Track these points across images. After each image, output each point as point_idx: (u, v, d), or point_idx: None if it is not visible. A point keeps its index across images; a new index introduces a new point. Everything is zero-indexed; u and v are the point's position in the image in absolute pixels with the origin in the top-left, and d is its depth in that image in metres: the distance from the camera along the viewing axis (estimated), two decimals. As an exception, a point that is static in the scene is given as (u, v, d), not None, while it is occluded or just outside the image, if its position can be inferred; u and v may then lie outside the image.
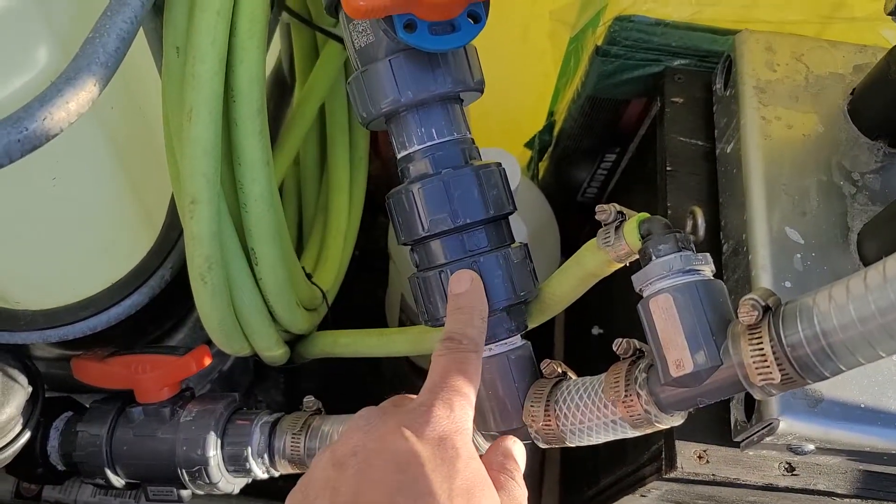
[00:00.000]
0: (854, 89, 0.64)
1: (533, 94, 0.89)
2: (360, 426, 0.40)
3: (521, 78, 0.88)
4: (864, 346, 0.37)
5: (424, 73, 0.50)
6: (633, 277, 0.47)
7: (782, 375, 0.39)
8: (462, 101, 0.54)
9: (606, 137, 0.86)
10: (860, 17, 0.68)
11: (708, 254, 0.46)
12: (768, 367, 0.40)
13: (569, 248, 1.04)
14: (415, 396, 0.43)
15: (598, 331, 0.86)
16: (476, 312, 0.48)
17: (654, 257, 0.46)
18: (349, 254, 0.86)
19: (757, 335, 0.40)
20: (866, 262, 0.57)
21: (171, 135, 0.53)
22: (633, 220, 0.49)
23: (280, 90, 1.02)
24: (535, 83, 0.88)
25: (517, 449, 0.47)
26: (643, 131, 0.81)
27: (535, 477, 0.99)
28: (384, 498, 0.35)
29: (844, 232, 0.58)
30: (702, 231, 0.64)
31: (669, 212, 0.67)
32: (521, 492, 0.43)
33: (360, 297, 1.03)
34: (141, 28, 0.55)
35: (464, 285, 0.49)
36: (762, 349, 0.40)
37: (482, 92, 0.54)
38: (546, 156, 0.95)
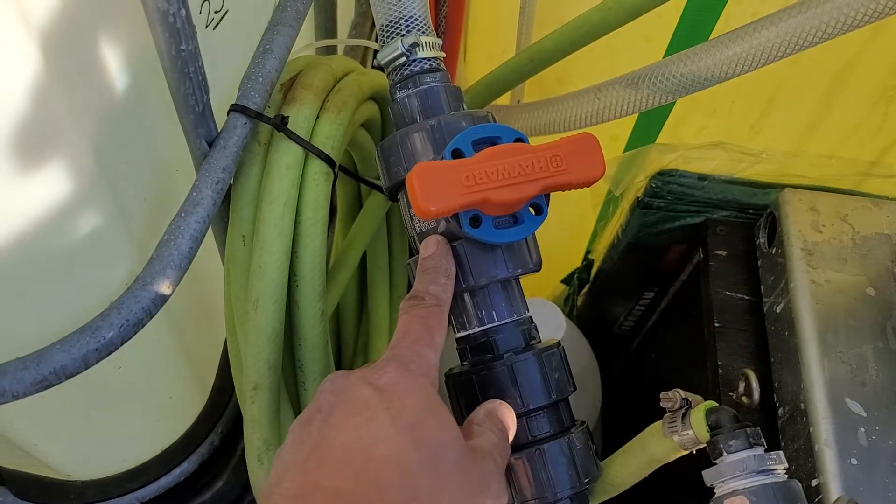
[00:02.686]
0: (902, 251, 0.64)
1: (570, 233, 0.91)
2: (325, 388, 0.42)
3: (559, 218, 0.89)
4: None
5: (485, 260, 0.50)
6: (705, 473, 0.46)
7: None
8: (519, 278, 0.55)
9: (645, 278, 0.87)
10: (900, 174, 0.69)
11: (781, 452, 0.46)
12: (859, 588, 0.39)
13: (603, 378, 1.04)
14: None
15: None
16: (441, 272, 0.48)
17: (725, 453, 0.46)
18: (389, 396, 0.86)
19: (845, 553, 0.39)
20: (931, 435, 0.56)
21: (235, 319, 0.53)
22: (700, 409, 0.48)
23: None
24: (572, 224, 0.89)
25: (502, 409, 0.47)
26: (685, 276, 0.81)
27: None
28: (341, 439, 0.38)
29: (906, 403, 0.58)
30: (756, 395, 0.64)
31: (720, 370, 0.67)
32: (495, 442, 0.44)
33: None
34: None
35: (430, 249, 0.49)
36: (852, 569, 0.39)
37: (540, 270, 0.55)
38: (583, 291, 0.95)
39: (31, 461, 0.58)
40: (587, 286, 0.93)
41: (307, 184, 0.52)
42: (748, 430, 0.46)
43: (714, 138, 0.69)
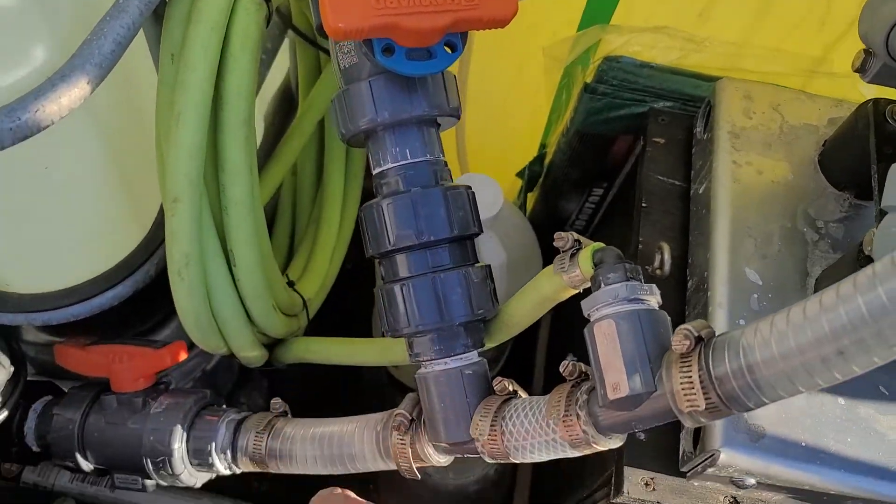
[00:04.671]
0: (826, 141, 0.66)
1: (526, 126, 0.92)
2: None
3: (515, 110, 0.91)
4: (785, 380, 0.39)
5: (402, 96, 0.53)
6: (582, 303, 0.49)
7: (707, 403, 0.41)
8: (439, 125, 0.56)
9: (594, 171, 0.89)
10: (840, 73, 0.70)
11: (654, 285, 0.48)
12: (695, 394, 0.41)
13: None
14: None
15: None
16: None
17: (602, 285, 0.48)
18: (337, 266, 0.89)
19: (687, 364, 0.42)
20: (822, 307, 0.58)
21: (160, 136, 0.56)
22: (588, 248, 0.51)
23: (287, 105, 1.05)
24: (528, 116, 0.90)
25: None
26: (628, 168, 0.83)
27: (505, 494, 1.00)
28: None
29: (803, 277, 0.60)
30: (668, 267, 0.67)
31: (641, 247, 0.69)
32: None
33: (349, 310, 1.05)
34: (144, 34, 0.59)
35: None
36: (690, 377, 0.42)
37: (458, 118, 0.56)
38: (536, 187, 0.97)
39: (-27, 270, 0.62)
40: (540, 181, 0.95)
41: (237, 12, 0.54)
42: (627, 265, 0.49)
43: (662, 24, 0.70)
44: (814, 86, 0.73)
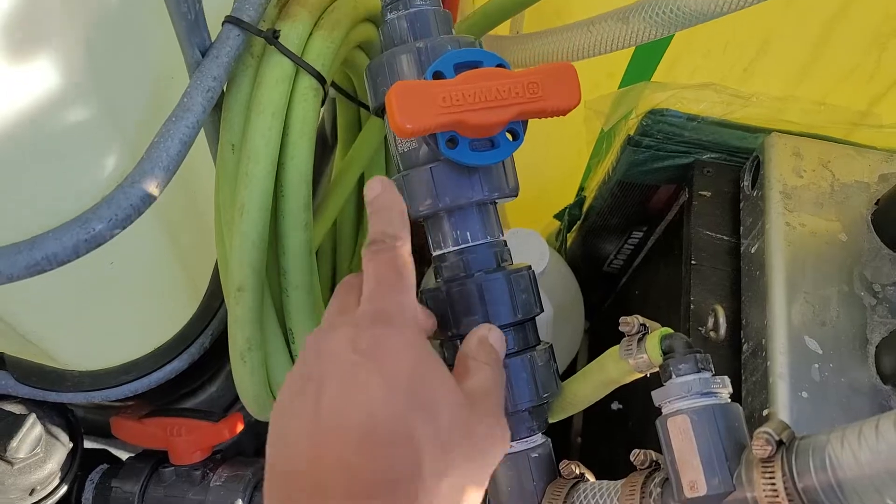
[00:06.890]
0: (878, 200, 0.65)
1: (565, 169, 0.92)
2: (309, 353, 0.42)
3: (555, 154, 0.91)
4: (872, 491, 0.39)
5: (462, 182, 0.53)
6: (653, 394, 0.49)
7: (792, 510, 0.41)
8: (496, 202, 0.57)
9: (634, 217, 0.88)
10: (888, 125, 0.70)
11: (726, 377, 0.48)
12: (779, 501, 0.41)
13: (591, 315, 1.06)
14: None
15: (618, 406, 0.88)
16: (393, 209, 0.47)
17: (673, 376, 0.48)
18: (378, 316, 0.89)
19: (770, 469, 0.42)
20: (883, 376, 0.58)
21: (222, 224, 0.56)
22: (656, 334, 0.51)
23: (321, 147, 1.05)
24: (567, 160, 0.90)
25: (493, 335, 0.49)
26: (671, 216, 0.83)
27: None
28: (338, 414, 0.38)
29: (863, 344, 0.60)
30: (723, 331, 0.67)
31: (692, 306, 0.69)
32: (492, 376, 0.45)
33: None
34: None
35: (376, 189, 0.48)
36: (774, 484, 0.42)
37: (516, 196, 0.56)
38: (575, 228, 0.97)
39: (32, 350, 0.62)
40: (578, 223, 0.95)
41: (296, 98, 0.54)
42: (698, 355, 0.49)
43: (707, 80, 0.70)
44: (860, 135, 0.73)
